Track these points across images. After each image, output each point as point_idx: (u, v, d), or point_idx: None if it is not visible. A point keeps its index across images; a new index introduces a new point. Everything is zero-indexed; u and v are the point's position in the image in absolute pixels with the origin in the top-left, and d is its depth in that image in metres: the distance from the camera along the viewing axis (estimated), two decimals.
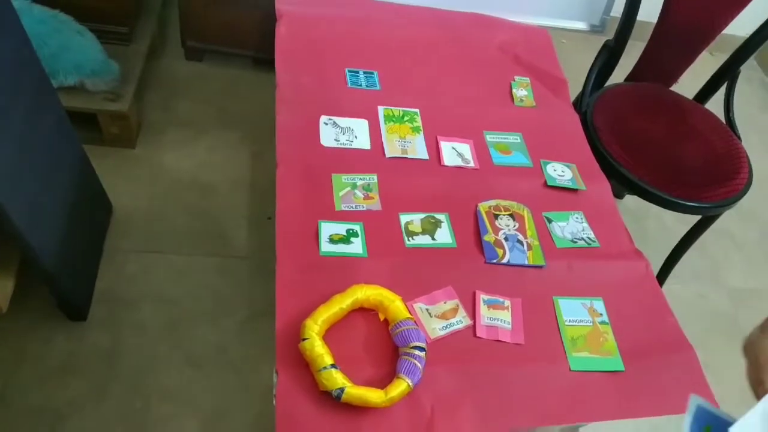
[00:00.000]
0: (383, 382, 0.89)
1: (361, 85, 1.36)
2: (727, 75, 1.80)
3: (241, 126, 2.02)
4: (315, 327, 0.90)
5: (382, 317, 0.98)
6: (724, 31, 1.72)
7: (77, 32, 1.69)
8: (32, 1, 1.62)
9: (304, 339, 0.89)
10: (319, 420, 0.86)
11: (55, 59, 1.62)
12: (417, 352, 0.91)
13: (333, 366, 0.87)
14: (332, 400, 0.86)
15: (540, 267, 1.12)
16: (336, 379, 0.86)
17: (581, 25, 2.83)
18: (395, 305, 0.96)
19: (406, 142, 1.26)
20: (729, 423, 0.54)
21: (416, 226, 1.13)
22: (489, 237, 1.14)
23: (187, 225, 1.74)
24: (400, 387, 0.87)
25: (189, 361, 1.48)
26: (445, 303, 1.03)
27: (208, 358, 1.49)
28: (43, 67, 1.28)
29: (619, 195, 2.05)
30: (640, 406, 1.00)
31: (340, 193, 1.14)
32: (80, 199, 1.47)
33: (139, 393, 1.41)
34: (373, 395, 0.86)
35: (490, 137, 1.34)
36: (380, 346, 0.95)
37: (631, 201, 2.12)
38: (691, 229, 1.76)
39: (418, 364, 0.90)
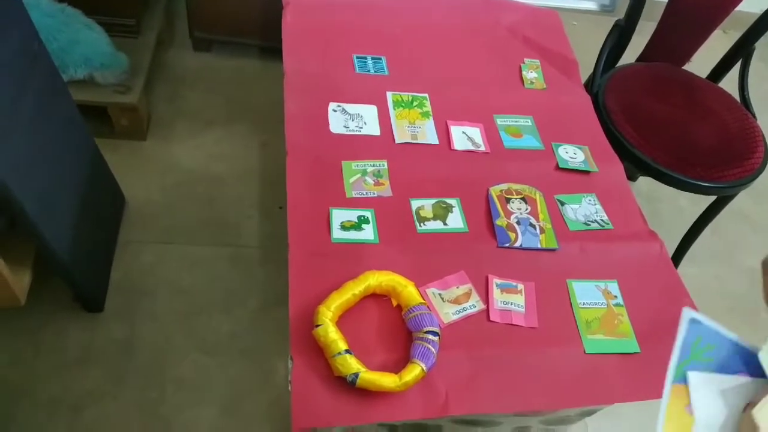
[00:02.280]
0: (397, 366, 0.90)
1: (369, 71, 1.35)
2: (740, 53, 1.77)
3: (249, 116, 2.02)
4: (328, 313, 0.90)
5: (395, 303, 0.98)
6: (737, 8, 1.68)
7: (85, 25, 1.69)
8: None
9: (317, 325, 0.89)
10: (335, 404, 0.86)
11: (64, 53, 1.62)
12: (430, 336, 0.91)
13: (347, 351, 0.87)
14: (347, 385, 0.86)
15: (553, 250, 1.12)
16: (350, 364, 0.86)
17: (591, 5, 2.79)
18: (408, 291, 0.96)
19: (416, 128, 1.26)
20: (719, 332, 0.52)
21: (427, 212, 1.12)
22: (501, 221, 1.13)
23: (199, 216, 1.75)
24: (414, 371, 0.87)
25: (203, 350, 1.49)
26: (457, 287, 1.02)
27: (222, 346, 1.51)
28: (52, 61, 1.28)
29: (631, 177, 2.03)
30: (656, 388, 0.99)
31: (351, 180, 1.13)
32: (93, 191, 1.48)
33: (156, 382, 1.43)
34: (388, 380, 0.86)
35: (501, 120, 1.33)
36: (393, 331, 0.96)
37: (643, 183, 2.10)
38: (706, 210, 1.74)
39: (432, 349, 0.90)
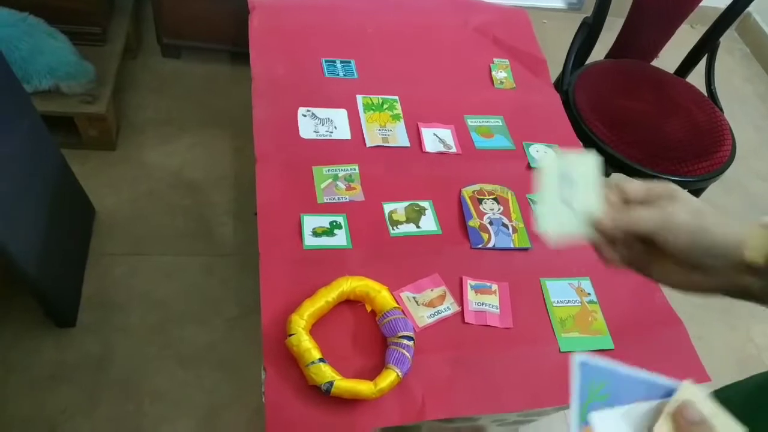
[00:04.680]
0: (373, 373, 0.89)
1: (338, 75, 1.34)
2: (707, 47, 1.80)
3: (221, 122, 2.00)
4: (301, 322, 0.89)
5: (369, 308, 0.97)
6: (703, 3, 1.71)
7: (49, 35, 1.66)
8: None
9: (290, 335, 0.88)
10: (310, 414, 0.85)
11: (27, 63, 1.59)
12: (405, 341, 0.90)
13: (321, 360, 0.86)
14: (322, 394, 0.85)
15: (526, 249, 1.12)
16: (325, 373, 0.85)
17: (559, 3, 2.82)
18: (381, 295, 0.95)
19: (387, 131, 1.25)
20: (606, 368, 0.53)
21: (400, 215, 1.12)
22: (474, 222, 1.13)
23: (172, 225, 1.72)
24: (389, 377, 0.87)
25: (180, 361, 1.47)
26: (432, 290, 1.02)
27: (199, 357, 1.49)
28: (13, 72, 1.25)
29: (604, 173, 2.05)
30: None
31: (322, 186, 1.12)
32: (60, 203, 1.45)
33: (131, 396, 1.40)
34: (363, 387, 0.85)
35: (472, 121, 1.33)
36: (368, 337, 0.95)
37: (615, 179, 2.12)
38: None
39: (407, 354, 0.89)
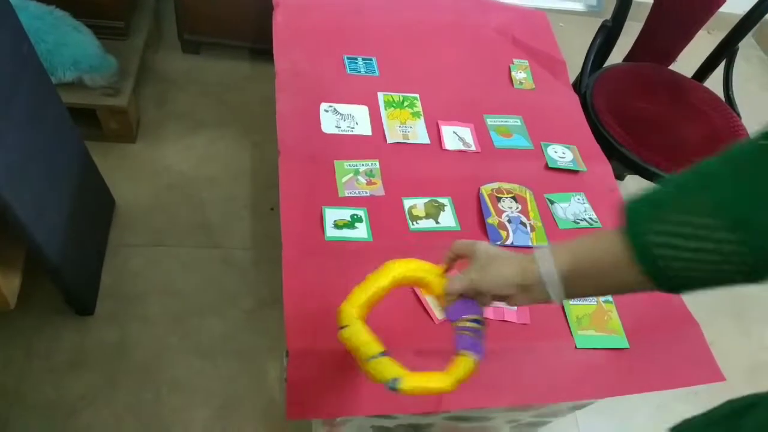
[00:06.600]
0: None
1: (360, 72, 1.36)
2: (725, 53, 1.80)
3: (240, 117, 2.02)
4: (353, 311, 0.77)
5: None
6: (721, 9, 1.71)
7: (74, 28, 1.69)
8: None
9: (342, 327, 0.76)
10: (329, 399, 0.87)
11: (52, 55, 1.62)
12: (475, 324, 0.76)
13: (383, 354, 0.74)
14: (342, 379, 0.87)
15: None
16: (389, 368, 0.73)
17: (578, 6, 2.82)
18: (440, 279, 0.81)
19: (407, 127, 1.27)
20: None
21: (420, 211, 1.13)
22: (492, 219, 1.14)
23: (190, 218, 1.75)
24: (465, 366, 0.73)
25: (197, 352, 1.49)
26: None
27: (216, 348, 1.51)
28: (42, 64, 1.28)
29: (619, 176, 2.06)
30: (646, 382, 1.01)
31: (343, 180, 1.14)
32: (83, 194, 1.47)
33: (149, 385, 1.42)
34: (437, 381, 0.73)
35: (491, 120, 1.34)
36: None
37: (631, 182, 2.12)
38: None
39: (479, 338, 0.76)
